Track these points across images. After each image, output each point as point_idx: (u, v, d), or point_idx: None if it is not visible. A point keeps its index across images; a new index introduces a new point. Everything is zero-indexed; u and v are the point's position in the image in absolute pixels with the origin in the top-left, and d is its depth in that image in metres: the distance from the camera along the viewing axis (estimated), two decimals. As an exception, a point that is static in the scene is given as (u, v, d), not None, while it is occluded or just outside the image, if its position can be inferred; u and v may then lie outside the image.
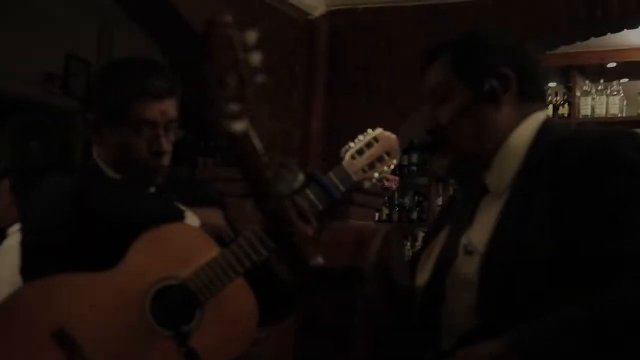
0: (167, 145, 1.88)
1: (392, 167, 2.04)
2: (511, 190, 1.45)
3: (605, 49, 5.87)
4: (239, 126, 1.10)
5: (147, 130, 1.85)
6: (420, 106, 4.92)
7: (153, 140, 1.86)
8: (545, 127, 1.53)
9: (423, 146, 1.59)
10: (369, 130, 2.04)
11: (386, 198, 6.40)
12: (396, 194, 6.71)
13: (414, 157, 6.56)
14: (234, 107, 1.09)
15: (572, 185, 1.34)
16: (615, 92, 6.08)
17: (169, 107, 1.90)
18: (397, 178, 5.60)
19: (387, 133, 2.06)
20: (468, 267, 1.40)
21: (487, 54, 1.50)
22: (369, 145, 2.00)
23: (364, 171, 1.97)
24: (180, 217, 1.85)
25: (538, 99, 1.57)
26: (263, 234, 1.82)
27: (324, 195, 1.88)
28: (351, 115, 5.08)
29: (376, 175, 2.00)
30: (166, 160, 1.90)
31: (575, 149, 1.39)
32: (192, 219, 1.90)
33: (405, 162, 6.50)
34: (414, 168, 6.63)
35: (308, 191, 1.87)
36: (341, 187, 1.92)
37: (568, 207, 1.32)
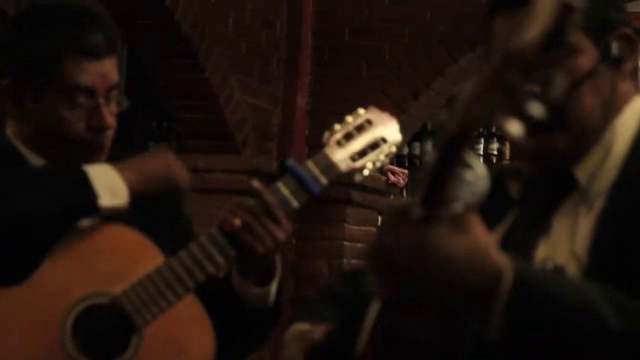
0: (109, 118, 1.83)
1: (390, 156, 1.99)
2: (612, 193, 1.41)
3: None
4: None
5: (83, 99, 1.80)
6: (435, 81, 4.86)
7: (91, 112, 1.81)
8: None
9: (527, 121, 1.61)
10: (360, 111, 1.98)
11: (392, 197, 6.42)
12: (405, 192, 6.57)
13: (429, 145, 6.55)
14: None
15: None
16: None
17: (110, 69, 1.84)
18: (405, 172, 5.55)
19: (383, 114, 2.00)
20: None
21: (610, 5, 1.50)
22: (359, 128, 1.95)
23: (353, 160, 1.92)
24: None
25: (637, 79, 1.55)
26: (222, 238, 1.79)
27: (299, 190, 1.84)
28: (345, 90, 4.97)
29: (370, 165, 1.94)
30: (108, 138, 1.84)
31: None
32: None
33: (417, 152, 6.35)
34: (428, 158, 6.61)
35: (280, 184, 1.84)
36: (323, 180, 1.87)
37: None
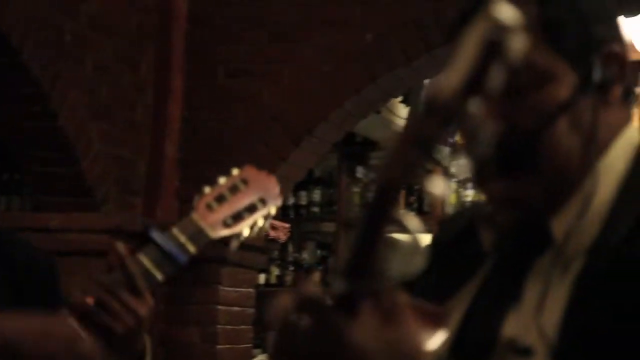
0: None
1: (270, 218, 1.92)
2: (592, 254, 1.24)
3: None
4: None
5: None
6: (320, 125, 4.66)
7: None
8: None
9: (483, 163, 1.35)
10: (234, 171, 1.93)
11: (275, 253, 6.22)
12: (290, 247, 6.38)
13: (316, 195, 6.29)
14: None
15: None
16: None
17: None
18: (287, 226, 5.46)
19: (261, 172, 1.95)
20: None
21: (594, 17, 1.31)
22: (233, 189, 1.90)
23: (227, 225, 1.86)
24: None
25: (630, 104, 1.40)
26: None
27: (164, 261, 1.77)
28: (220, 138, 4.69)
29: (246, 230, 1.88)
30: None
31: None
32: None
33: (304, 202, 6.24)
34: (316, 210, 6.31)
35: (141, 255, 1.76)
36: (190, 249, 1.80)
37: None
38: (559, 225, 1.30)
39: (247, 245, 4.62)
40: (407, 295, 1.19)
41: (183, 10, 4.70)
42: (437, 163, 0.94)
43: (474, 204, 1.50)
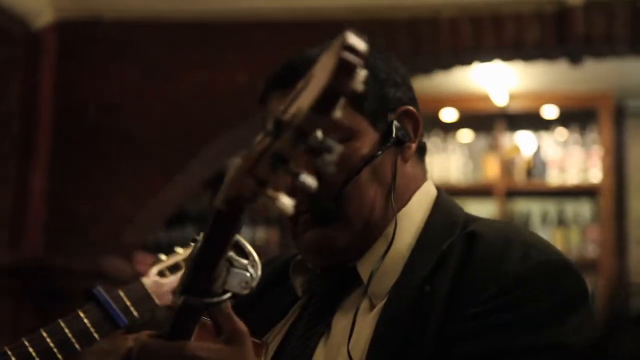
0: None
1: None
2: (395, 292, 1.35)
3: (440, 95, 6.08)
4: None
5: None
6: (191, 161, 4.70)
7: None
8: (443, 203, 1.46)
9: (292, 216, 1.41)
10: (179, 250, 1.93)
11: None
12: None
13: (189, 231, 6.42)
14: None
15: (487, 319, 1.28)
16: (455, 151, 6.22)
17: None
18: (150, 260, 5.18)
19: None
20: None
21: (390, 81, 1.44)
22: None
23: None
24: None
25: (424, 160, 1.51)
26: None
27: (104, 321, 1.75)
28: (92, 172, 4.62)
29: None
30: None
31: (505, 263, 1.31)
32: None
33: (178, 238, 5.92)
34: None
35: (81, 312, 1.75)
36: (134, 312, 1.79)
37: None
38: (364, 268, 1.40)
39: (116, 279, 4.61)
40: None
41: (53, 43, 4.61)
42: (289, 179, 0.93)
43: (286, 256, 1.60)
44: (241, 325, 1.17)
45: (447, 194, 1.51)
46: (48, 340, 1.73)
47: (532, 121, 6.22)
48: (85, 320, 1.73)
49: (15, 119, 4.55)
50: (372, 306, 1.37)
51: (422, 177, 1.50)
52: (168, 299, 1.81)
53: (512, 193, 6.15)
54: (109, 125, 4.70)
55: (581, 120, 6.15)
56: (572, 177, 6.10)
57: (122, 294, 1.80)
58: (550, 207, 6.18)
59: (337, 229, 1.39)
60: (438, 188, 1.51)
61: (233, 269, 1.08)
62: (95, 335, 1.72)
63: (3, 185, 4.49)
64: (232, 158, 1.00)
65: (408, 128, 1.45)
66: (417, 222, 1.43)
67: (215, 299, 1.08)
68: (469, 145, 6.31)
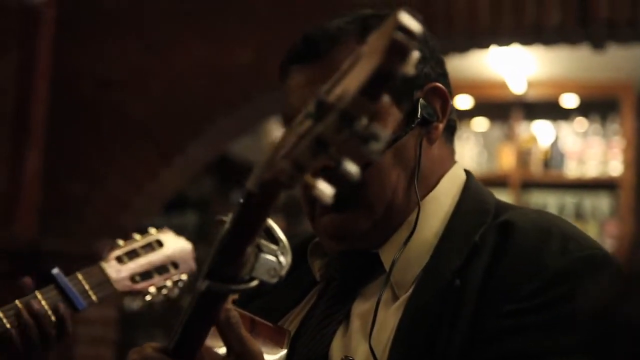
0: None
1: (180, 284, 1.96)
2: (422, 282, 1.30)
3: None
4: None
5: None
6: (192, 143, 4.55)
7: None
8: (472, 188, 1.40)
9: (309, 197, 1.37)
10: (152, 230, 1.97)
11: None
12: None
13: (190, 219, 6.18)
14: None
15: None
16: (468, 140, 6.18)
17: None
18: None
19: (179, 238, 1.98)
20: None
21: (420, 59, 1.35)
22: (147, 248, 1.94)
23: (134, 281, 1.90)
24: None
25: (453, 141, 1.45)
26: None
27: (61, 304, 1.77)
28: (88, 151, 4.54)
29: (152, 290, 1.92)
30: None
31: (543, 253, 1.26)
32: None
33: (177, 224, 6.36)
34: (190, 234, 6.45)
35: (38, 294, 1.77)
36: (93, 297, 1.82)
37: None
38: (387, 255, 1.36)
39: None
40: (250, 313, 1.26)
41: (50, 14, 4.52)
42: (332, 165, 0.88)
43: (304, 236, 1.52)
44: (255, 346, 1.13)
45: (476, 179, 1.43)
46: (4, 321, 1.75)
47: (550, 110, 6.10)
48: (43, 302, 1.75)
49: (9, 95, 4.48)
50: (395, 296, 1.33)
51: (451, 159, 1.43)
52: (126, 285, 1.87)
53: (528, 184, 6.03)
54: (106, 101, 4.60)
55: (602, 110, 6.02)
56: (591, 170, 5.97)
57: (80, 277, 1.82)
58: (568, 200, 6.06)
59: (356, 214, 1.35)
60: (467, 172, 1.44)
61: (262, 254, 1.03)
62: (52, 317, 1.74)
63: (-3, 164, 4.40)
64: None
65: (436, 106, 1.40)
66: (444, 208, 1.38)
67: (242, 286, 1.03)
68: (483, 134, 6.20)
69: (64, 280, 1.81)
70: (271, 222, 1.04)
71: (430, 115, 1.38)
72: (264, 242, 1.04)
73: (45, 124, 4.55)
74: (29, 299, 1.75)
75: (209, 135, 4.58)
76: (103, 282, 1.86)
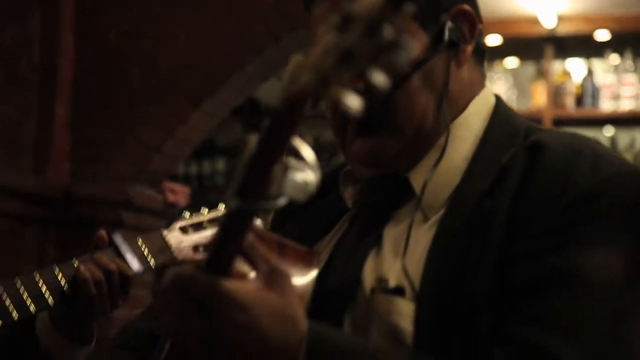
0: None
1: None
2: (453, 204, 1.31)
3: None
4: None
5: None
6: (220, 88, 4.60)
7: None
8: (502, 112, 1.40)
9: (339, 124, 1.37)
10: (221, 206, 1.93)
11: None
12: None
13: (220, 164, 6.36)
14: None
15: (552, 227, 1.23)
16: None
17: None
18: (187, 190, 5.41)
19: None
20: (394, 310, 1.28)
21: None
22: (213, 222, 1.90)
23: (197, 252, 1.88)
24: None
25: (483, 64, 1.44)
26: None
27: (124, 264, 1.80)
28: (115, 100, 4.61)
29: None
30: None
31: (575, 171, 1.25)
32: None
33: (208, 170, 6.29)
34: (220, 180, 6.34)
35: (98, 255, 1.79)
36: (151, 262, 1.83)
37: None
38: (417, 179, 1.37)
39: (144, 208, 4.64)
40: (281, 234, 1.29)
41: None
42: (360, 75, 0.87)
43: (335, 165, 1.55)
44: (281, 265, 1.14)
45: (505, 103, 1.43)
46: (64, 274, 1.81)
47: (583, 46, 6.07)
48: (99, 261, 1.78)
49: (36, 46, 4.52)
50: (426, 219, 1.35)
51: (480, 83, 1.44)
52: (187, 255, 1.84)
53: (561, 121, 6.03)
54: (132, 51, 4.66)
55: (635, 45, 5.98)
56: (624, 105, 5.96)
57: (140, 241, 1.84)
58: (602, 136, 6.06)
59: (386, 138, 1.36)
60: (497, 96, 1.45)
61: (290, 172, 1.03)
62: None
63: (27, 112, 4.48)
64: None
65: (463, 29, 1.39)
66: (474, 131, 1.39)
67: (271, 203, 1.02)
68: (515, 72, 6.19)
69: (122, 242, 1.82)
70: (298, 140, 1.03)
71: (457, 38, 1.38)
72: (292, 159, 1.03)
73: (73, 75, 4.62)
74: (90, 256, 1.78)
75: (237, 80, 4.64)
76: (163, 248, 1.86)
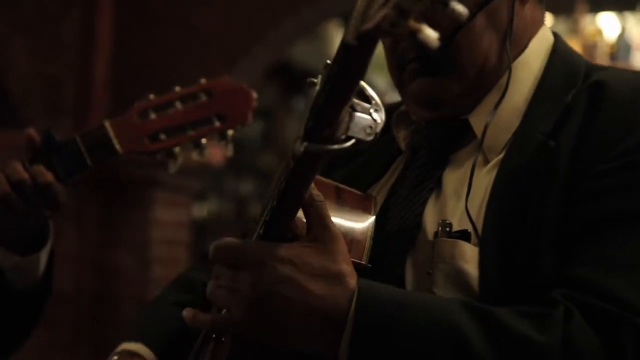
0: None
1: (224, 140, 1.69)
2: (514, 146, 1.30)
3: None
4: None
5: None
6: (256, 46, 4.64)
7: None
8: (561, 51, 1.38)
9: (398, 64, 1.33)
10: (202, 80, 1.71)
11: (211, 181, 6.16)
12: (228, 178, 6.42)
13: (255, 126, 6.53)
14: None
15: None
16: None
17: None
18: (220, 151, 5.29)
19: (237, 85, 1.71)
20: (458, 254, 1.27)
21: None
22: (188, 98, 1.68)
23: (154, 139, 1.66)
24: None
25: (544, 1, 1.43)
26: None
27: (58, 167, 1.64)
28: (154, 59, 4.67)
29: (176, 150, 1.67)
30: None
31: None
32: None
33: (242, 133, 6.39)
34: (256, 141, 6.41)
35: (28, 163, 1.64)
36: (87, 160, 1.65)
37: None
38: (477, 120, 1.35)
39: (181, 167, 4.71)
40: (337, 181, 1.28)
41: None
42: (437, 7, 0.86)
43: (387, 105, 1.57)
44: (335, 228, 1.14)
45: (564, 41, 1.41)
46: None
47: (615, 1, 6.07)
48: (37, 164, 1.65)
49: (75, 8, 4.57)
50: (486, 161, 1.33)
51: (541, 20, 1.40)
52: (137, 145, 1.66)
53: (594, 79, 6.04)
54: (171, 11, 4.70)
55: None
56: (659, 60, 5.97)
57: (78, 140, 1.66)
58: (636, 92, 6.07)
59: (447, 79, 1.34)
60: (555, 34, 1.42)
61: (356, 113, 1.02)
62: (39, 177, 1.63)
63: (66, 72, 4.53)
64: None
65: None
66: (534, 71, 1.36)
67: (338, 146, 1.02)
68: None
69: (55, 142, 1.66)
70: (361, 81, 1.02)
71: None
72: (356, 100, 1.03)
73: (113, 35, 4.66)
74: (12, 165, 1.63)
75: (273, 38, 4.68)
76: (102, 144, 1.66)
